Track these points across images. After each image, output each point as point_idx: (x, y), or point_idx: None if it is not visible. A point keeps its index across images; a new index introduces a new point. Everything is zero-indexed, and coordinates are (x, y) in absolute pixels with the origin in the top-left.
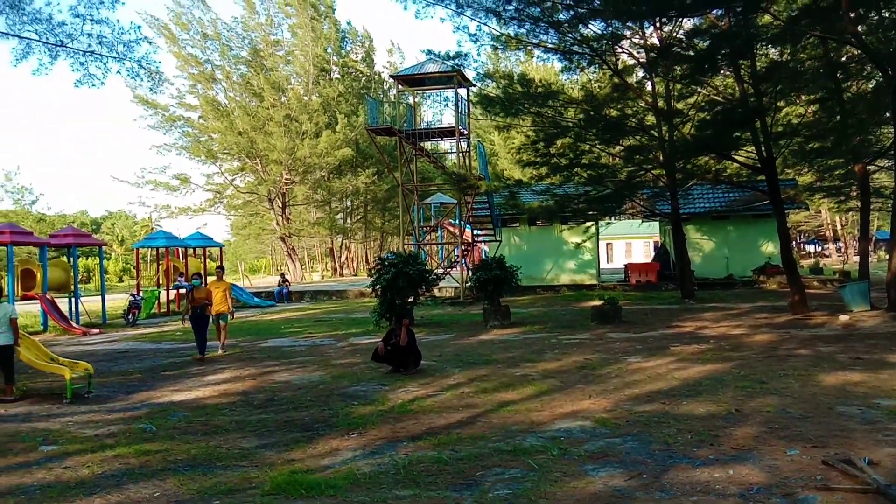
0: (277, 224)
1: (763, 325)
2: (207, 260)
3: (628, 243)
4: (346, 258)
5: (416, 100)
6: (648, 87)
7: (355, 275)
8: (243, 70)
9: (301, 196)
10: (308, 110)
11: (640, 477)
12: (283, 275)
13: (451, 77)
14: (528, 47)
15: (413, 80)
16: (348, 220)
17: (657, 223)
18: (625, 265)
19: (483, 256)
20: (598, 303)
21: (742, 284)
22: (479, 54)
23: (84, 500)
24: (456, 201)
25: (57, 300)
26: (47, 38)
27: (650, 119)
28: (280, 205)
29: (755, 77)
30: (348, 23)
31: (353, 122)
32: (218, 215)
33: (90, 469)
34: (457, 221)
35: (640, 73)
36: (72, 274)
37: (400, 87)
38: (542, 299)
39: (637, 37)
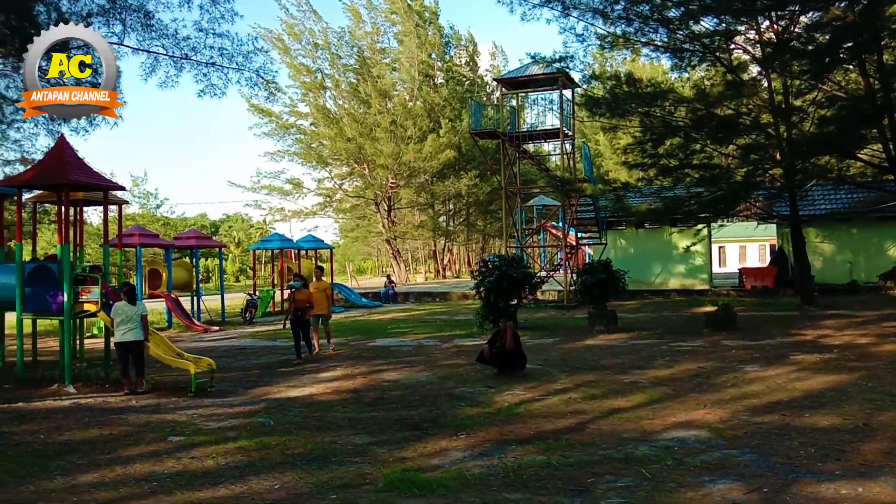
0: (383, 227)
1: (891, 335)
2: (318, 261)
3: (742, 246)
4: (449, 260)
5: (520, 102)
6: (764, 83)
7: (458, 277)
8: (351, 78)
9: (406, 199)
10: (412, 115)
11: (761, 490)
12: (389, 276)
13: (556, 79)
14: (636, 46)
15: (517, 83)
16: (451, 223)
17: (774, 226)
18: (739, 269)
19: (587, 260)
20: (710, 309)
21: (867, 291)
22: (584, 55)
23: (210, 489)
24: (559, 204)
25: (180, 298)
26: (173, 52)
27: (766, 117)
28: (386, 208)
29: (882, 71)
30: (451, 27)
31: (456, 126)
32: (327, 218)
33: (214, 460)
34: (560, 224)
35: (755, 70)
36: (194, 274)
37: (503, 89)
38: (650, 304)
39: (752, 32)
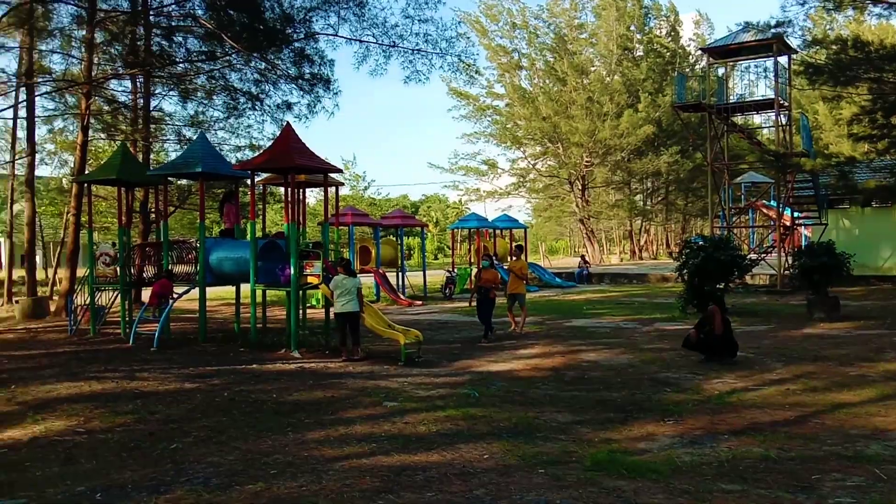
0: (577, 206)
1: None
2: (513, 241)
3: None
4: (646, 241)
5: (728, 72)
6: None
7: (655, 258)
8: (548, 56)
9: (600, 178)
10: (610, 91)
11: None
12: (583, 256)
13: (770, 45)
14: (864, 5)
15: (725, 52)
16: (648, 202)
17: None
18: None
19: (803, 241)
20: None
21: None
22: (804, 19)
23: (424, 453)
24: (772, 181)
25: (387, 274)
26: (382, 41)
27: None
28: (580, 187)
29: None
30: None
31: (656, 101)
32: (521, 198)
33: (426, 426)
34: (773, 203)
35: None
36: (399, 251)
37: (710, 59)
38: (877, 291)
39: None
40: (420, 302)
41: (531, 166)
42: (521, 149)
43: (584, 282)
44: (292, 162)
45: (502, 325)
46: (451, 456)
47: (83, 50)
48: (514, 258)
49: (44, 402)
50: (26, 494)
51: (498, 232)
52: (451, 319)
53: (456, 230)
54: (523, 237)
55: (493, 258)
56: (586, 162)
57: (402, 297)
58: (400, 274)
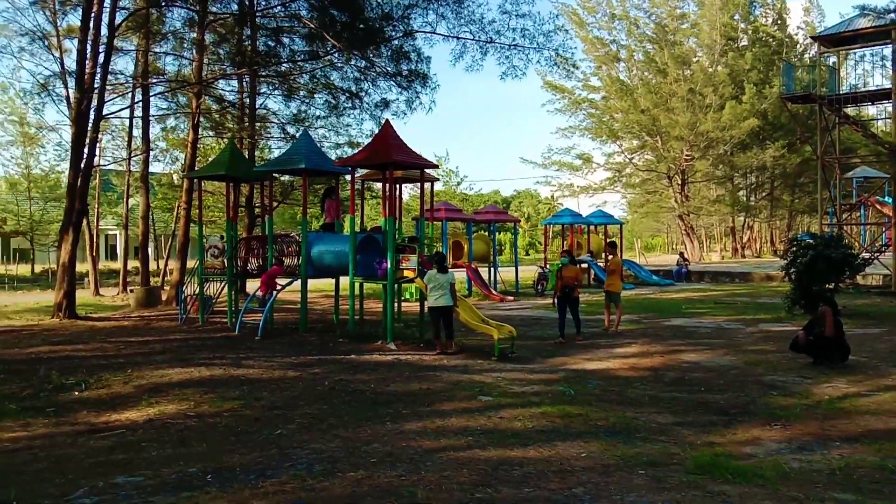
0: (676, 202)
1: None
2: (608, 238)
3: None
4: (749, 238)
5: (840, 61)
6: None
7: (758, 256)
8: (648, 48)
9: (701, 173)
10: (713, 82)
11: None
12: (681, 254)
13: (888, 32)
14: None
15: (837, 40)
16: (752, 198)
17: None
18: None
19: None
20: None
21: None
22: None
23: (520, 449)
24: (887, 175)
25: (479, 269)
26: (479, 37)
27: None
28: (679, 182)
29: None
30: None
31: (762, 92)
32: (615, 193)
33: (521, 422)
34: (887, 199)
35: None
36: (491, 246)
37: (821, 47)
38: None
39: None
40: (512, 297)
41: (628, 161)
42: (618, 143)
43: (682, 280)
44: (391, 158)
45: (596, 323)
46: (548, 453)
47: (194, 51)
48: (609, 255)
49: (157, 387)
50: (143, 473)
51: (592, 228)
52: (543, 316)
53: (548, 226)
54: (618, 233)
55: (587, 254)
56: (686, 156)
57: (493, 292)
58: (492, 269)
